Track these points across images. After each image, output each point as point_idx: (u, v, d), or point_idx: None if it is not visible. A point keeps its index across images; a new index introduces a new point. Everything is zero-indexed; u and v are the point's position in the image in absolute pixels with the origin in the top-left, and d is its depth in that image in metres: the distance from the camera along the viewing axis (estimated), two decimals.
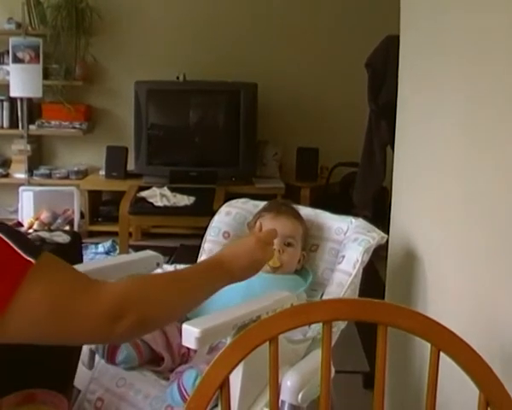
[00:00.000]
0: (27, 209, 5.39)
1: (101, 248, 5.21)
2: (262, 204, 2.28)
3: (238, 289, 1.99)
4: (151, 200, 5.13)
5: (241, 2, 5.65)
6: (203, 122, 5.58)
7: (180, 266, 2.25)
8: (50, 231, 3.67)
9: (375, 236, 2.03)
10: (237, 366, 1.26)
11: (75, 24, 5.42)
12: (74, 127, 5.68)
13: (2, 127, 5.72)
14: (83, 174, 5.74)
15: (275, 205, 2.23)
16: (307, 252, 2.18)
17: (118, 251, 5.09)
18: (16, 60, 5.39)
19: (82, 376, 1.93)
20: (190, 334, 1.51)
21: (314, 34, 5.63)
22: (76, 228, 5.39)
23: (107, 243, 5.24)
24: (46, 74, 5.54)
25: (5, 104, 5.67)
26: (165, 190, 5.20)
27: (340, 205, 4.31)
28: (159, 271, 2.19)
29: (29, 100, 5.60)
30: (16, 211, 5.45)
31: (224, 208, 2.32)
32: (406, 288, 2.16)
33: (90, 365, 1.91)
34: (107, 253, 5.17)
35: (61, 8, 5.39)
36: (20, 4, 5.46)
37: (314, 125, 5.73)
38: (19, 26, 5.53)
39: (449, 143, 1.75)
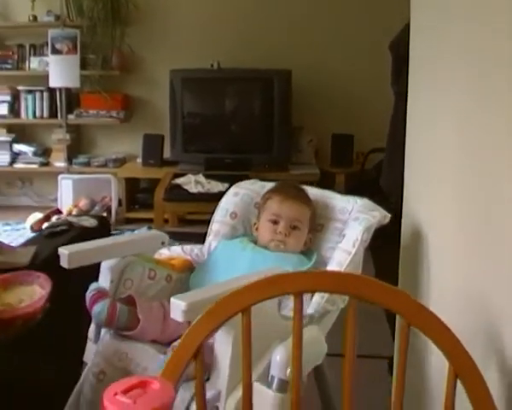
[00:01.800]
0: (67, 197, 5.54)
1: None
2: (269, 185, 2.31)
3: (241, 265, 2.04)
4: (186, 187, 5.19)
5: None
6: (237, 109, 5.63)
7: (186, 247, 2.31)
8: (79, 216, 3.77)
9: (376, 214, 2.04)
10: (210, 335, 1.31)
11: (111, 15, 5.53)
12: (112, 116, 5.79)
13: (42, 117, 5.88)
14: (120, 162, 5.86)
15: (283, 188, 2.24)
16: (313, 233, 2.20)
17: None
18: (55, 51, 5.53)
19: (89, 350, 2.01)
20: (177, 307, 1.56)
21: (347, 19, 5.61)
22: (113, 215, 5.51)
23: (143, 230, 5.33)
24: (84, 64, 5.67)
25: (45, 94, 5.82)
26: (200, 177, 5.25)
27: (375, 190, 4.32)
28: (164, 250, 2.25)
29: (68, 90, 5.74)
30: (56, 199, 5.60)
31: (233, 189, 2.35)
32: (415, 278, 2.18)
33: (96, 339, 1.98)
34: None
35: None
36: None
37: (349, 111, 5.72)
38: (57, 18, 5.67)
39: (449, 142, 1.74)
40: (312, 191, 2.27)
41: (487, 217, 1.38)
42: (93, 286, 1.92)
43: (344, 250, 1.99)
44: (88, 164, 5.85)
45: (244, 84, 5.63)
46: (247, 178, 5.07)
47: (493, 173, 1.33)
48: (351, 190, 5.35)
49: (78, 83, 5.56)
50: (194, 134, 5.61)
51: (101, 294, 1.90)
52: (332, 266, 1.98)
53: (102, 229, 3.63)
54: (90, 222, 3.52)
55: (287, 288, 1.27)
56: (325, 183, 5.31)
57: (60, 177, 5.57)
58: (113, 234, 4.33)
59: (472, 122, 1.60)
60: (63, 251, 1.90)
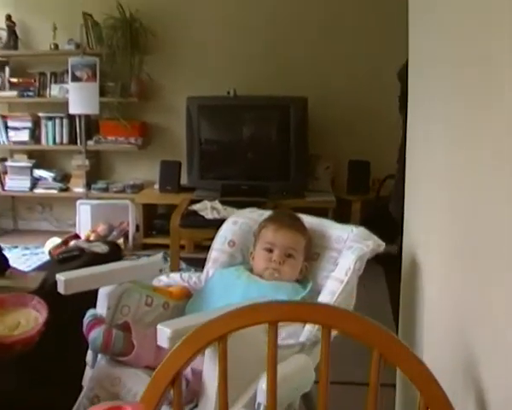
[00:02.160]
0: (85, 222, 5.63)
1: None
2: (267, 213, 2.36)
3: (236, 294, 2.08)
4: (202, 213, 5.22)
5: (289, 16, 5.75)
6: (254, 136, 5.68)
7: (185, 275, 2.35)
8: (92, 241, 3.84)
9: (369, 244, 2.07)
10: (187, 363, 1.35)
11: (130, 43, 5.64)
12: (130, 143, 5.89)
13: (62, 143, 5.99)
14: (138, 188, 5.94)
15: (278, 217, 2.29)
16: (309, 262, 2.23)
17: (169, 263, 5.22)
18: (75, 78, 5.65)
19: (87, 375, 2.06)
20: (163, 334, 1.60)
21: (364, 47, 5.66)
22: (130, 240, 5.58)
23: (159, 256, 5.38)
24: (103, 92, 5.78)
25: (65, 121, 5.95)
26: (216, 204, 5.29)
27: (390, 217, 4.33)
28: (163, 278, 2.30)
29: (87, 117, 5.85)
30: (75, 224, 5.69)
31: (232, 218, 2.41)
32: (413, 305, 2.20)
33: (93, 364, 2.03)
34: None
35: (117, 28, 5.62)
36: (79, 26, 5.73)
37: (365, 138, 5.75)
38: (78, 46, 5.80)
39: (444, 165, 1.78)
40: (309, 220, 2.31)
41: (474, 250, 1.41)
42: (90, 313, 1.97)
43: (336, 279, 2.02)
44: (106, 190, 5.94)
45: (260, 111, 5.69)
46: (264, 205, 5.20)
47: (482, 203, 1.36)
48: (366, 217, 5.43)
49: (97, 110, 5.67)
50: (211, 161, 5.67)
51: (97, 321, 1.95)
52: (324, 295, 2.01)
53: (114, 255, 3.69)
54: (101, 248, 3.59)
55: (261, 317, 1.31)
56: (341, 210, 5.36)
57: (78, 202, 5.66)
58: (126, 260, 4.38)
59: (460, 152, 1.64)
60: (60, 277, 1.96)
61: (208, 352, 1.62)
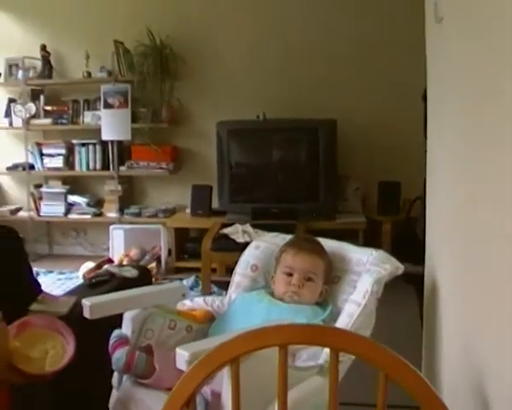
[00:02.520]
0: (118, 246, 5.73)
1: (184, 284, 5.43)
2: (289, 238, 2.41)
3: (258, 317, 2.13)
4: (233, 236, 5.28)
5: (317, 40, 5.82)
6: (283, 159, 5.73)
7: (208, 298, 2.42)
8: (122, 266, 3.91)
9: (387, 267, 2.11)
10: (201, 385, 1.40)
11: (160, 69, 5.75)
12: (161, 168, 5.99)
13: (95, 169, 6.12)
14: (170, 212, 6.03)
15: (297, 241, 2.35)
16: (330, 285, 2.28)
17: (200, 286, 5.28)
18: (107, 105, 5.78)
19: (113, 397, 2.12)
20: (182, 357, 1.66)
21: (392, 67, 5.70)
22: (163, 264, 5.66)
23: (191, 279, 5.44)
24: (134, 118, 5.90)
25: (97, 147, 6.08)
26: (247, 227, 5.34)
27: (419, 237, 4.35)
28: (187, 302, 2.36)
29: (119, 143, 5.98)
30: (108, 248, 5.79)
31: (255, 242, 2.47)
32: (433, 325, 2.24)
33: (119, 386, 2.10)
34: (191, 288, 5.37)
35: (147, 55, 5.75)
36: (111, 54, 5.87)
37: (395, 158, 5.78)
38: (109, 74, 5.94)
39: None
40: (329, 244, 2.36)
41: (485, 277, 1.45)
42: (115, 333, 2.04)
43: (354, 302, 2.06)
44: (139, 214, 6.04)
45: (289, 134, 5.74)
46: (294, 227, 5.24)
47: (496, 227, 1.40)
48: (396, 237, 5.45)
49: (129, 136, 5.79)
50: (241, 184, 5.74)
51: (122, 341, 2.02)
52: (342, 318, 2.06)
53: (143, 279, 3.77)
54: (131, 273, 3.66)
55: (271, 340, 1.35)
56: (371, 231, 5.38)
57: (112, 227, 5.77)
58: (158, 284, 4.45)
59: (467, 175, 1.68)
60: (85, 302, 2.04)
61: (226, 373, 1.67)
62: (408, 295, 4.69)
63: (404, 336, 3.87)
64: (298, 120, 5.60)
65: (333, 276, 2.29)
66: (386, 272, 2.10)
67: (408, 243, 5.25)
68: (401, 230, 5.50)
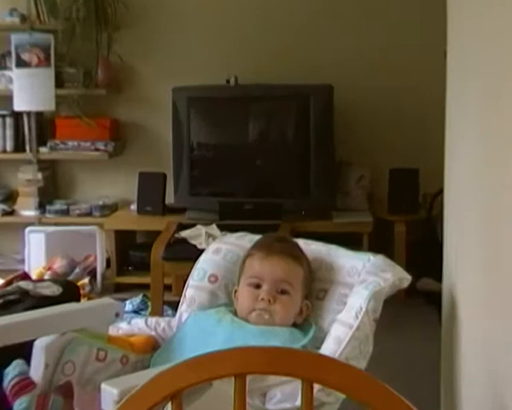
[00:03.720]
0: (37, 256, 5.69)
1: (128, 306, 5.39)
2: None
3: (215, 343, 2.15)
4: (194, 241, 5.27)
5: None
6: (262, 138, 5.74)
7: (151, 320, 2.43)
8: (40, 281, 3.91)
9: (388, 277, 2.13)
10: None
11: (95, 15, 5.72)
12: (98, 149, 5.97)
13: (5, 151, 6.03)
14: (109, 210, 6.02)
15: (266, 241, 2.36)
16: (313, 300, 2.30)
17: (149, 309, 5.27)
18: (21, 63, 5.72)
19: None
20: (108, 396, 1.67)
21: (405, 19, 5.73)
22: (99, 280, 5.65)
23: (136, 299, 5.41)
24: (59, 81, 5.86)
25: (8, 121, 5.99)
26: (214, 229, 5.34)
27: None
28: (122, 324, 2.37)
29: (38, 115, 5.94)
30: (24, 259, 5.74)
31: (213, 245, 2.48)
32: (452, 349, 2.27)
33: None
34: (137, 312, 5.35)
35: None
36: None
37: (412, 139, 5.82)
38: (23, 18, 5.85)
39: None
40: (313, 247, 2.38)
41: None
42: (14, 370, 2.03)
43: (344, 323, 2.08)
44: (66, 212, 6.00)
45: (270, 104, 5.74)
46: (277, 229, 5.24)
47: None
48: (414, 243, 5.47)
49: (52, 105, 5.75)
50: (206, 172, 5.75)
51: (26, 382, 2.01)
52: (328, 344, 2.07)
53: (69, 299, 3.76)
54: (51, 290, 3.65)
55: (224, 368, 1.37)
56: (380, 235, 5.41)
57: (28, 230, 5.72)
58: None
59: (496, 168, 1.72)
60: None
61: None
62: (428, 319, 4.73)
63: (422, 371, 3.91)
64: (281, 85, 5.61)
65: (317, 290, 2.31)
66: (387, 284, 2.12)
67: (428, 251, 5.27)
68: (420, 234, 5.53)
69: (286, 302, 2.24)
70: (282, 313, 2.23)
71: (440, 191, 5.39)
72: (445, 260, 2.58)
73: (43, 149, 6.02)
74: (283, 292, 2.25)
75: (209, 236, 5.30)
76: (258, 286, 2.25)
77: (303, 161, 5.57)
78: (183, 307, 2.42)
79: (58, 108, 5.91)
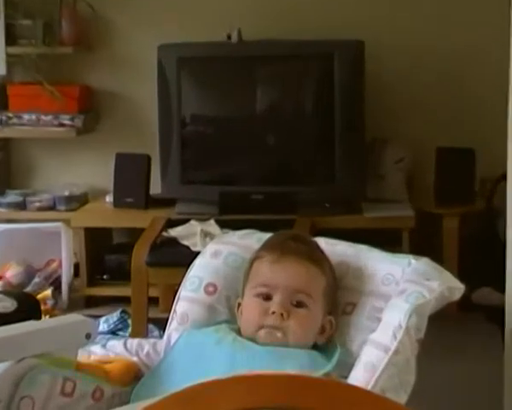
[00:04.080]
0: None
1: (103, 325, 5.39)
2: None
3: (214, 369, 2.15)
4: (186, 242, 5.28)
5: None
6: (273, 110, 5.74)
7: (132, 342, 2.43)
8: None
9: (434, 287, 2.13)
10: None
11: None
12: (63, 124, 5.98)
13: None
14: (78, 202, 6.02)
15: (278, 240, 2.37)
16: (338, 316, 2.30)
17: (129, 328, 5.27)
18: None
19: None
20: None
21: None
22: (65, 292, 5.66)
23: (113, 317, 5.42)
24: (11, 37, 5.87)
25: None
26: (212, 226, 5.35)
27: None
28: (94, 348, 2.37)
29: None
30: None
31: (211, 246, 2.48)
32: None
33: None
34: (113, 332, 5.35)
35: None
36: None
37: (466, 112, 5.82)
38: None
39: None
40: (338, 248, 2.38)
41: None
42: None
43: (378, 345, 2.08)
44: (22, 206, 6.02)
45: (284, 66, 5.75)
46: (292, 225, 5.24)
47: None
48: (469, 244, 5.46)
49: (3, 69, 5.77)
50: (202, 153, 5.76)
51: None
52: (359, 372, 2.07)
53: (26, 314, 3.78)
54: (4, 304, 3.68)
55: (223, 403, 1.37)
56: (425, 233, 5.41)
57: None
58: None
59: None
60: None
61: None
62: (488, 339, 4.75)
63: (480, 404, 3.91)
64: (297, 42, 5.61)
65: (344, 301, 2.31)
66: (433, 296, 2.12)
67: (488, 252, 5.28)
68: (476, 231, 5.53)
69: (303, 318, 2.24)
70: (298, 332, 2.23)
71: (503, 177, 5.40)
72: (508, 265, 2.58)
73: None
74: (300, 305, 2.25)
75: (206, 234, 5.31)
76: (268, 297, 2.26)
77: (325, 139, 5.59)
78: (172, 326, 2.42)
79: (10, 71, 5.94)
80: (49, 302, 5.44)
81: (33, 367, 2.14)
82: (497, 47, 5.39)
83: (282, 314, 2.22)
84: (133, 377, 2.30)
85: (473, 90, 5.80)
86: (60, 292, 5.66)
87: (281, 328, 2.22)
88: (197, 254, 5.11)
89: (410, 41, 5.79)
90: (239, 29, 5.58)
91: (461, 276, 2.28)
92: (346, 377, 2.18)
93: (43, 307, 4.62)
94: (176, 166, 5.66)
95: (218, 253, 2.46)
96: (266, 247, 2.35)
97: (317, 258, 2.30)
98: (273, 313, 2.23)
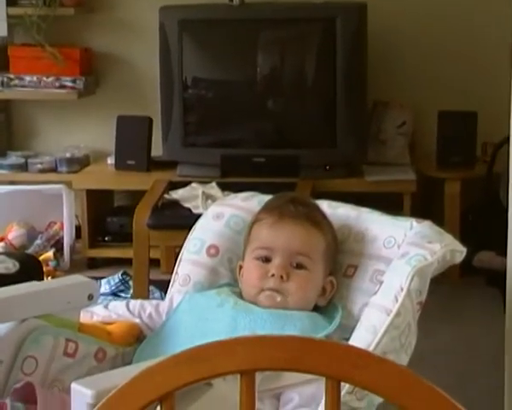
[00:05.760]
0: None
1: (104, 287, 5.40)
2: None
3: (215, 333, 2.15)
4: (188, 204, 5.28)
5: None
6: (275, 73, 5.74)
7: (135, 303, 2.43)
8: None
9: (436, 249, 2.12)
10: None
11: None
12: (64, 86, 5.96)
13: None
14: (79, 164, 6.02)
15: (278, 202, 2.36)
16: (339, 277, 2.30)
17: (131, 290, 5.28)
18: None
19: None
20: (81, 398, 1.68)
21: None
22: (66, 253, 5.66)
23: (115, 278, 5.42)
24: None
25: None
26: (213, 188, 5.34)
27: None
28: (98, 309, 2.38)
29: None
30: None
31: (213, 209, 2.48)
32: None
33: None
34: (115, 293, 5.36)
35: None
36: None
37: (468, 74, 5.80)
38: None
39: None
40: (340, 211, 2.38)
41: None
42: None
43: (379, 307, 2.08)
44: (24, 167, 6.02)
45: (286, 29, 5.73)
46: (293, 187, 5.25)
47: None
48: (470, 209, 5.47)
49: (3, 30, 5.75)
50: (204, 116, 5.76)
51: None
52: (360, 333, 2.07)
53: (28, 277, 3.78)
54: (6, 266, 3.68)
55: (224, 364, 1.37)
56: (427, 196, 5.42)
57: None
58: None
59: None
60: None
61: None
62: (489, 302, 4.76)
63: (481, 367, 3.92)
64: (300, 4, 5.62)
65: (345, 264, 2.31)
66: (435, 258, 2.11)
67: (489, 217, 5.28)
68: (477, 195, 5.53)
69: (302, 279, 2.24)
70: (297, 294, 2.23)
71: (505, 140, 5.40)
72: (510, 229, 2.58)
73: None
74: (299, 266, 2.25)
75: (208, 197, 5.31)
76: (267, 260, 2.26)
77: (327, 102, 5.59)
78: (174, 288, 2.42)
79: (11, 33, 5.93)
80: (51, 264, 5.44)
81: (36, 328, 2.14)
82: (499, 10, 5.40)
83: (281, 277, 2.22)
84: (135, 338, 2.31)
85: (476, 54, 5.78)
86: (62, 254, 5.67)
87: (281, 290, 2.22)
88: (199, 216, 5.17)
89: (412, 3, 5.77)
90: None
91: (462, 240, 2.27)
92: (348, 340, 2.18)
93: (45, 269, 4.62)
94: (177, 129, 5.65)
95: (220, 215, 2.46)
96: (265, 209, 2.35)
97: (317, 219, 2.30)
98: (272, 275, 2.23)
